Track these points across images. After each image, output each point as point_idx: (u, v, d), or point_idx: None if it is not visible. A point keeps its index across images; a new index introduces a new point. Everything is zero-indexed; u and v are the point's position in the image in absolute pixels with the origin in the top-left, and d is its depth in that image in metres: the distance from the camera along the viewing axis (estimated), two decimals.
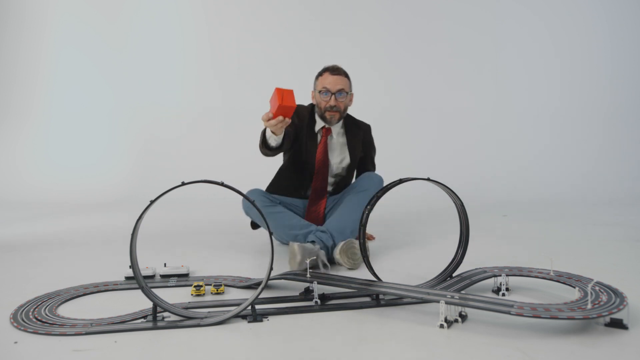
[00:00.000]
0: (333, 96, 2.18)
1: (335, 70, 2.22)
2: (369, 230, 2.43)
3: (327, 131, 2.30)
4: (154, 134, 4.78)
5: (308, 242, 1.97)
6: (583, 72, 4.84)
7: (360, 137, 2.35)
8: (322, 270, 1.83)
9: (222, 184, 1.36)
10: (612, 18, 4.85)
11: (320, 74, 2.27)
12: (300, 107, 2.28)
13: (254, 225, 2.38)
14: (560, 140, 4.73)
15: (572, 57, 4.86)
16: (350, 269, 1.88)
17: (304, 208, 2.32)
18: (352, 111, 2.35)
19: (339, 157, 2.32)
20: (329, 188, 2.35)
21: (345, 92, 2.22)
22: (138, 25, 4.92)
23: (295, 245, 1.85)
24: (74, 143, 4.82)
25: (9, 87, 4.93)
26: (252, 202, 1.40)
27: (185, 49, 4.93)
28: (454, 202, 1.63)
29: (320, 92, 2.23)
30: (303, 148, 2.27)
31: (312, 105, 2.35)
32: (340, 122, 2.33)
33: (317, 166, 2.27)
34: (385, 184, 2.03)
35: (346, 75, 2.25)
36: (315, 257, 1.83)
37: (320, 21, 4.86)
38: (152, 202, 1.30)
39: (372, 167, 2.46)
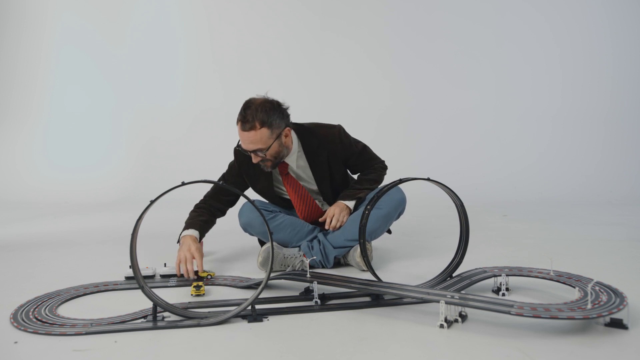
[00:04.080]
0: (253, 154, 1.79)
1: (245, 123, 1.72)
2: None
3: (283, 167, 1.93)
4: (155, 135, 4.78)
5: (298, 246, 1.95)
6: (585, 73, 4.84)
7: (324, 157, 1.91)
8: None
9: (222, 184, 1.37)
10: (614, 19, 4.85)
11: (237, 121, 1.77)
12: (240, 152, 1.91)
13: (261, 242, 2.08)
14: (561, 141, 4.73)
15: (575, 58, 4.86)
16: (363, 270, 1.86)
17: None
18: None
19: (311, 180, 1.98)
20: (323, 206, 2.06)
21: (263, 150, 1.75)
22: (138, 24, 4.92)
23: (265, 246, 1.88)
24: (74, 143, 4.82)
25: (9, 87, 4.93)
26: (252, 202, 1.40)
27: (186, 49, 4.93)
28: (454, 202, 1.63)
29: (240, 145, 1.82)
30: (266, 190, 1.99)
31: None
32: (296, 144, 1.91)
33: (296, 206, 1.98)
34: (386, 183, 2.03)
35: (262, 123, 1.72)
36: (290, 266, 1.84)
37: (321, 21, 4.86)
38: (152, 202, 1.30)
39: (375, 164, 2.04)
